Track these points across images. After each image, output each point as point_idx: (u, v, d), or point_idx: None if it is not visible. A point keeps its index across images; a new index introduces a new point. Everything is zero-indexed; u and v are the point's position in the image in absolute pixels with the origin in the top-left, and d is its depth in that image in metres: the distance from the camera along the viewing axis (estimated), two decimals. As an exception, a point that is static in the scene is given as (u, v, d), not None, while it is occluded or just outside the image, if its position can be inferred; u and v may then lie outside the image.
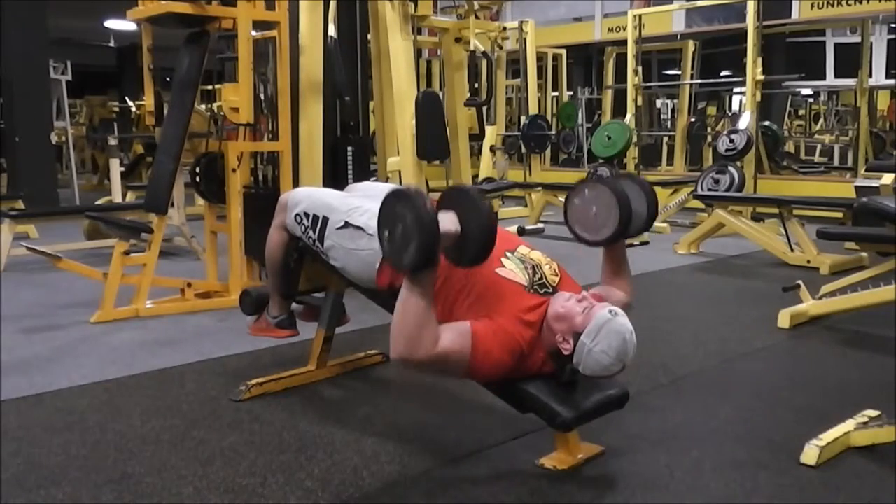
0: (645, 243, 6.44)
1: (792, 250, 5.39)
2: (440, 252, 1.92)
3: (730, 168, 6.79)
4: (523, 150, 8.92)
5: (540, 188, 7.56)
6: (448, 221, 1.92)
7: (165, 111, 4.46)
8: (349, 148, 4.49)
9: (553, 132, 8.90)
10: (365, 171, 4.64)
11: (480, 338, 2.02)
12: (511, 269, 2.17)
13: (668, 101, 12.15)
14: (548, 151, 10.16)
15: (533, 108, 8.72)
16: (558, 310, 2.07)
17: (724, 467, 2.22)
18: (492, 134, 8.51)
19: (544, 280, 2.18)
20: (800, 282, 3.83)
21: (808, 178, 9.04)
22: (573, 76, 12.11)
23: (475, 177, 7.28)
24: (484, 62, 6.42)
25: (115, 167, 6.83)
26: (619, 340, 1.99)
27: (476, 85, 6.02)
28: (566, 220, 2.38)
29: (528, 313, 2.09)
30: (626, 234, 2.30)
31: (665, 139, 11.09)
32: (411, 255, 1.88)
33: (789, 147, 11.48)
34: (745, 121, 7.14)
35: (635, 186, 2.35)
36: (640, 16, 8.27)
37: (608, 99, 10.26)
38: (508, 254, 2.21)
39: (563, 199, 7.76)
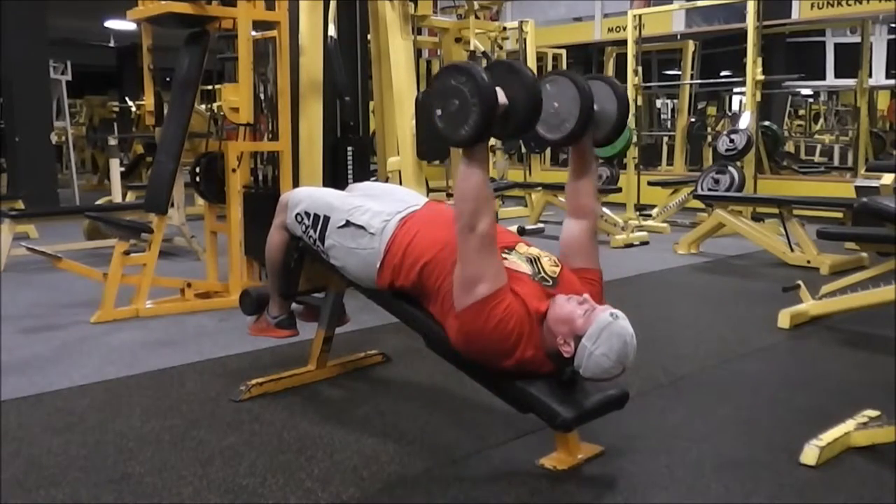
0: (645, 243, 6.45)
1: (792, 250, 5.39)
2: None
3: (730, 168, 6.80)
4: (523, 150, 8.92)
5: (540, 188, 7.56)
6: (499, 95, 1.99)
7: (165, 111, 4.46)
8: (349, 148, 4.49)
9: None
10: (365, 171, 4.64)
11: (507, 293, 2.05)
12: (513, 261, 2.18)
13: (668, 101, 12.14)
14: (548, 151, 10.16)
15: (533, 108, 8.70)
16: (559, 312, 2.06)
17: (724, 467, 2.22)
18: (492, 134, 8.49)
19: (544, 273, 2.19)
20: (800, 282, 3.83)
21: (808, 178, 9.04)
22: (573, 76, 12.09)
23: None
24: (484, 62, 6.42)
25: (115, 167, 6.83)
26: (620, 343, 1.99)
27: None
28: None
29: (535, 306, 2.09)
30: (588, 126, 2.20)
31: (665, 139, 11.08)
32: (470, 128, 1.96)
33: (789, 147, 11.47)
34: (745, 121, 7.14)
35: (604, 86, 2.25)
36: (640, 16, 8.26)
37: (608, 99, 10.23)
38: (507, 250, 2.22)
39: (563, 200, 7.78)
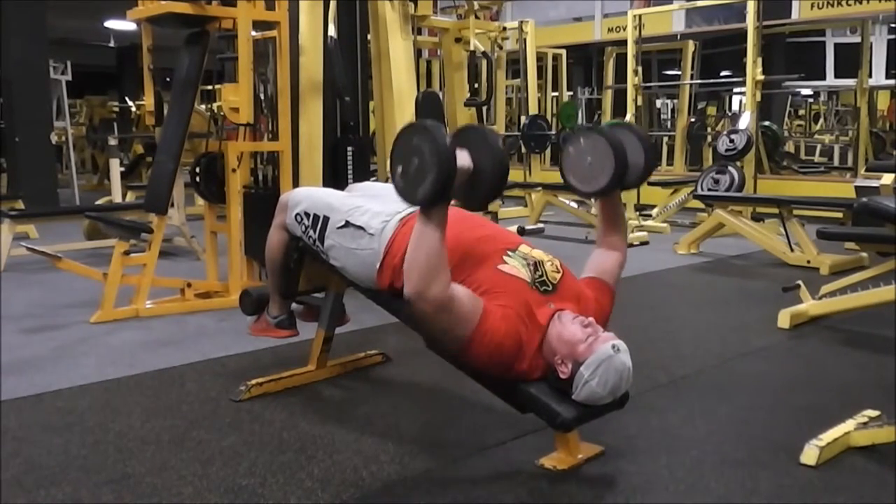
0: (645, 243, 6.45)
1: (792, 250, 5.39)
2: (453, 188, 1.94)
3: (730, 168, 6.79)
4: (523, 150, 8.92)
5: (540, 188, 7.55)
6: (462, 158, 1.94)
7: (165, 111, 4.46)
8: (349, 148, 4.49)
9: (553, 132, 8.89)
10: (365, 171, 4.63)
11: (490, 314, 2.02)
12: (513, 265, 2.17)
13: (668, 101, 12.14)
14: (548, 151, 10.14)
15: (533, 108, 8.72)
16: (562, 331, 2.06)
17: (724, 467, 2.22)
18: (492, 134, 8.49)
19: (545, 278, 2.18)
20: (800, 282, 3.83)
21: (808, 178, 9.04)
22: (573, 76, 12.11)
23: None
24: (484, 62, 6.42)
25: (115, 167, 6.83)
26: (616, 378, 2.00)
27: (476, 85, 6.01)
28: (561, 170, 2.37)
29: (532, 313, 2.09)
30: (621, 184, 2.28)
31: (665, 139, 11.08)
32: (427, 189, 1.90)
33: (789, 147, 11.47)
34: (745, 121, 7.13)
35: (632, 136, 2.31)
36: (640, 16, 8.26)
37: (608, 99, 10.25)
38: (510, 252, 2.21)
39: (563, 200, 7.77)
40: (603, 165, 2.23)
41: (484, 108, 6.75)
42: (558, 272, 2.22)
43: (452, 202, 2.02)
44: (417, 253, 1.96)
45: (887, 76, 9.33)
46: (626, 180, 2.30)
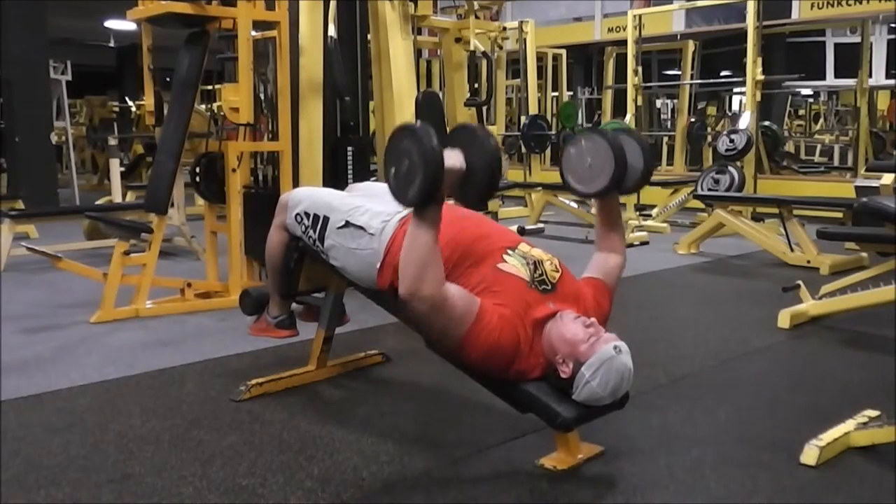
0: (645, 243, 6.45)
1: (792, 250, 5.39)
2: (445, 189, 1.95)
3: (730, 168, 6.79)
4: (523, 150, 8.92)
5: (540, 188, 7.56)
6: (454, 158, 1.96)
7: (165, 111, 4.46)
8: (349, 148, 4.49)
9: (553, 132, 8.89)
10: (365, 171, 4.64)
11: (486, 313, 2.02)
12: (513, 264, 2.17)
13: (668, 101, 12.14)
14: (548, 151, 10.15)
15: (533, 108, 8.72)
16: (563, 331, 2.06)
17: (724, 467, 2.22)
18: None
19: (545, 277, 2.18)
20: (800, 282, 3.83)
21: (808, 178, 9.04)
22: (573, 76, 12.10)
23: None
24: (484, 62, 6.42)
25: (115, 167, 6.83)
26: (617, 379, 2.00)
27: (476, 85, 6.01)
28: (560, 170, 2.40)
29: (531, 312, 2.09)
30: (619, 186, 2.31)
31: (665, 139, 11.08)
32: (416, 190, 1.92)
33: (789, 147, 11.46)
34: (745, 121, 7.14)
35: (632, 141, 2.36)
36: (640, 16, 8.26)
37: (608, 99, 10.26)
38: (510, 251, 2.21)
39: (563, 200, 7.76)
40: (602, 167, 2.26)
41: (484, 108, 6.75)
42: (557, 271, 2.23)
43: (452, 201, 2.03)
44: (411, 253, 1.97)
45: (887, 76, 9.33)
46: (624, 184, 2.32)
